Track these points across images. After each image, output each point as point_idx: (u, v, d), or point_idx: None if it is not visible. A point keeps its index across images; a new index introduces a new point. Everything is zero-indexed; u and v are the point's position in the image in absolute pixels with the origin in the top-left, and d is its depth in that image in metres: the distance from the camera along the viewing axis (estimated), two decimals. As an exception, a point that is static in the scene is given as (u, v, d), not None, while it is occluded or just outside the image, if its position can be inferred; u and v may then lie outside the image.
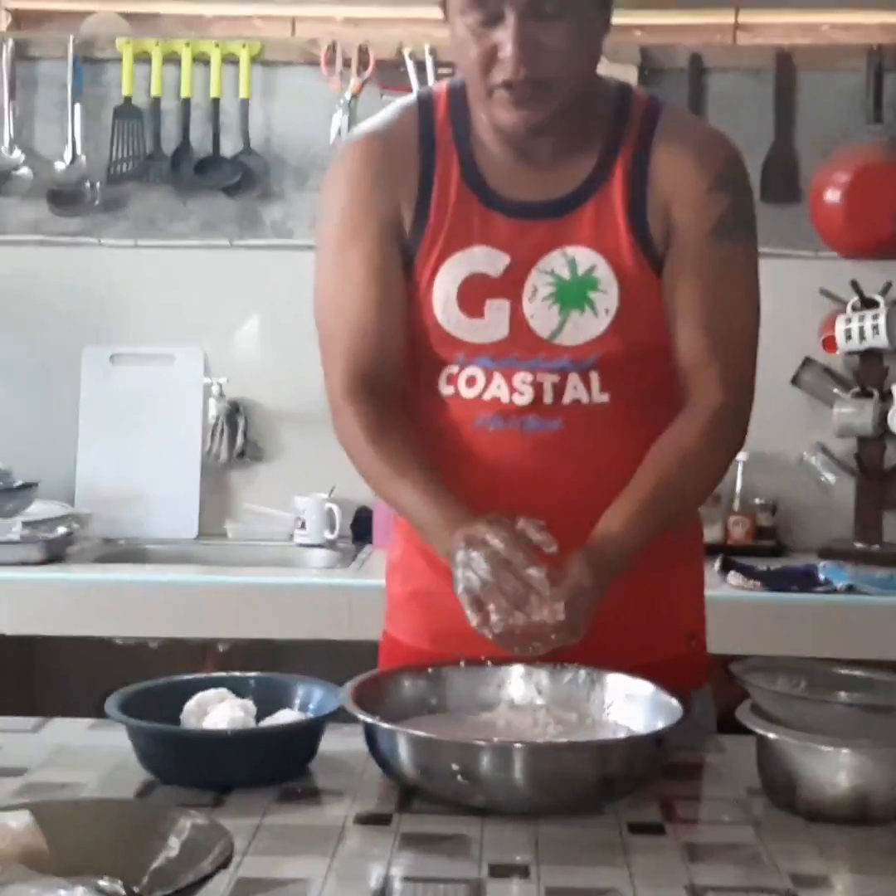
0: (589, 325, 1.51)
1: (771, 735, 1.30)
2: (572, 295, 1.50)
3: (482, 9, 1.40)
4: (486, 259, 1.51)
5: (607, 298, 1.50)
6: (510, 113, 1.44)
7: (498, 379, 1.53)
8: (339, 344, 1.55)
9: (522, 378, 1.52)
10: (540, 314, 1.51)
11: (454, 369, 1.55)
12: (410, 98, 1.59)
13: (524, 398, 1.52)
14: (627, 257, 1.50)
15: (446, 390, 1.56)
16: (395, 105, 1.59)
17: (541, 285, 1.51)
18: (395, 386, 1.56)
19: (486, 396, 1.54)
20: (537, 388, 1.52)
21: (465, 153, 1.53)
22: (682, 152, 1.50)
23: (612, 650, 1.48)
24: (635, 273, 1.50)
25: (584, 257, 1.50)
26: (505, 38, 1.39)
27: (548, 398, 1.52)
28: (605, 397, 1.53)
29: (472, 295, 1.51)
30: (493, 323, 1.52)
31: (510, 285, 1.51)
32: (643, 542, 1.44)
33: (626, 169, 1.50)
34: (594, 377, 1.52)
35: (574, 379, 1.52)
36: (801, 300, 3.06)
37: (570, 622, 1.33)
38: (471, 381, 1.54)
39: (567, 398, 1.53)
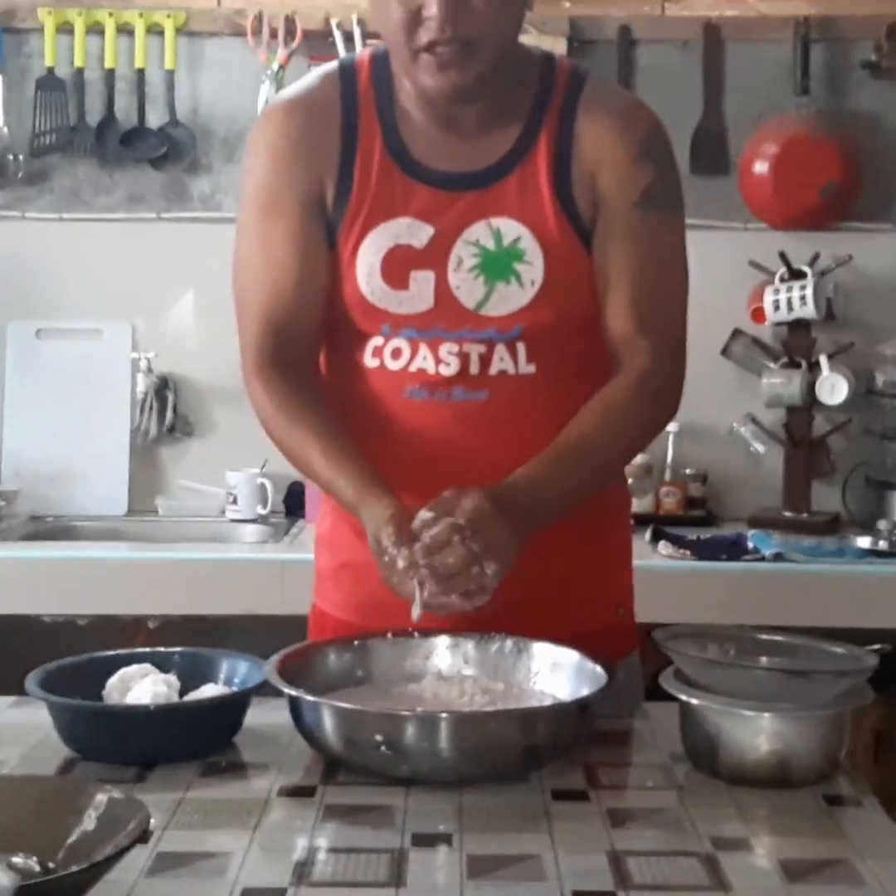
0: (514, 296, 1.50)
1: (693, 700, 1.31)
2: (498, 266, 1.50)
3: None
4: (409, 230, 1.50)
5: (533, 269, 1.50)
6: (435, 77, 1.43)
7: (424, 350, 1.52)
8: (254, 316, 1.54)
9: (448, 348, 1.52)
10: (465, 285, 1.51)
11: (379, 341, 1.54)
12: (332, 65, 1.57)
13: (450, 369, 1.52)
14: (553, 228, 1.50)
15: (371, 363, 1.55)
16: (317, 72, 1.57)
17: (466, 256, 1.50)
18: (310, 358, 1.56)
19: (412, 368, 1.53)
20: (463, 358, 1.52)
21: (388, 123, 1.51)
22: (605, 123, 1.50)
23: (540, 621, 1.49)
24: (561, 244, 1.50)
25: (510, 228, 1.50)
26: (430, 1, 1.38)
27: (474, 369, 1.52)
28: (531, 368, 1.53)
29: (397, 266, 1.50)
30: (419, 294, 1.51)
31: (435, 256, 1.50)
32: (558, 492, 1.44)
33: (551, 139, 1.50)
34: (520, 348, 1.52)
35: (500, 350, 1.52)
36: (731, 271, 3.08)
37: (484, 546, 1.32)
38: (396, 353, 1.54)
39: (493, 369, 1.52)
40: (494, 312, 1.51)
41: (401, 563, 1.33)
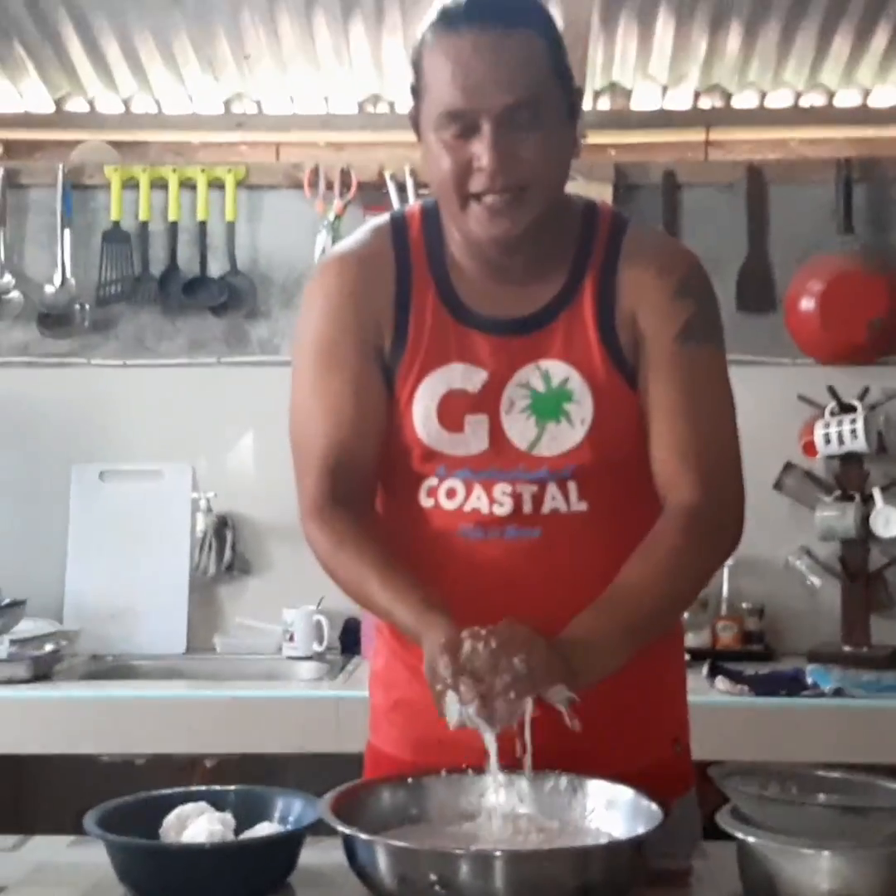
0: (565, 436, 1.53)
1: (750, 839, 1.29)
2: (548, 407, 1.53)
3: (458, 122, 1.43)
4: (463, 375, 1.53)
5: (582, 409, 1.53)
6: (485, 226, 1.47)
7: (478, 490, 1.55)
8: (312, 461, 1.55)
9: (502, 489, 1.54)
10: (517, 426, 1.54)
11: (434, 482, 1.56)
12: (383, 219, 1.62)
13: (504, 509, 1.54)
14: (599, 368, 1.53)
15: (426, 502, 1.57)
16: (369, 225, 1.62)
17: (517, 398, 1.54)
18: (367, 498, 1.58)
19: (467, 508, 1.55)
20: (516, 498, 1.54)
21: (440, 271, 1.56)
22: (645, 264, 1.55)
23: (597, 757, 1.47)
24: (607, 383, 1.53)
25: (558, 370, 1.53)
26: (481, 149, 1.43)
27: (527, 508, 1.54)
28: (583, 506, 1.55)
29: (452, 410, 1.54)
30: (473, 436, 1.54)
31: (488, 400, 1.54)
32: (614, 642, 1.42)
33: (595, 284, 1.54)
34: (572, 486, 1.54)
35: (552, 488, 1.54)
36: (780, 406, 3.11)
37: (529, 666, 1.31)
38: (451, 494, 1.56)
39: (546, 507, 1.54)
40: (546, 452, 1.53)
41: (464, 689, 1.31)
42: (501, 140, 1.42)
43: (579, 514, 1.55)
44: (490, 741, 1.37)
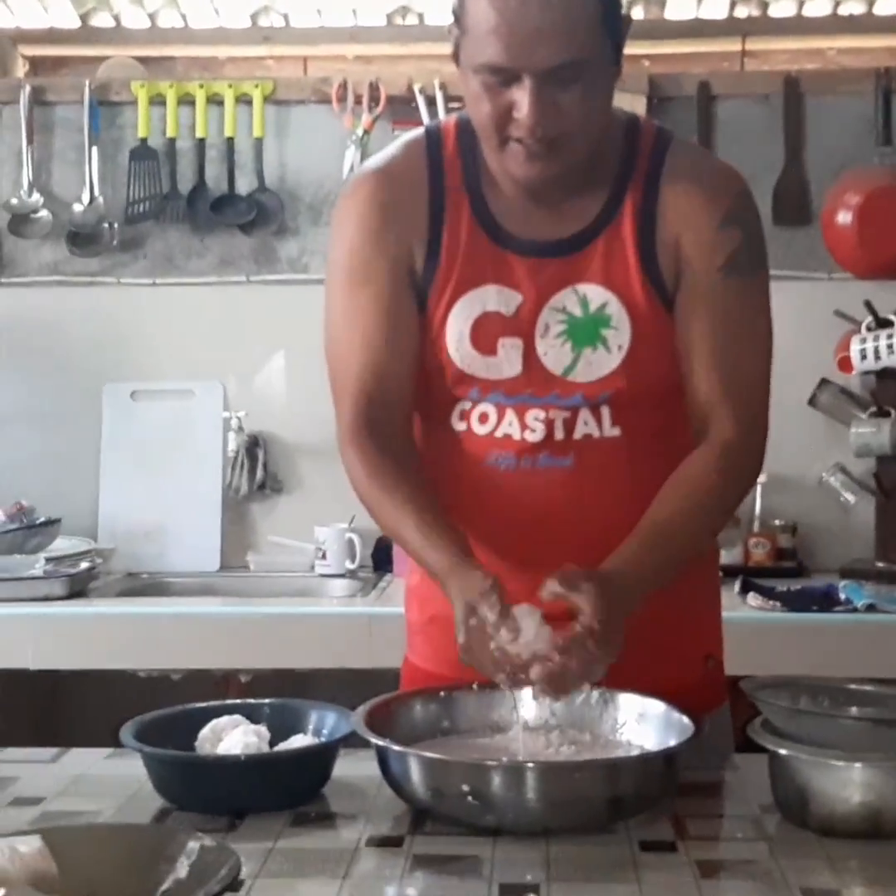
0: (602, 362, 1.51)
1: (782, 751, 1.30)
2: (585, 332, 1.51)
3: (499, 74, 1.38)
4: (498, 298, 1.51)
5: (620, 335, 1.50)
6: (523, 167, 1.43)
7: (510, 415, 1.53)
8: (348, 384, 1.54)
9: (535, 415, 1.52)
10: (552, 352, 1.51)
11: (467, 405, 1.55)
12: (418, 133, 1.58)
13: (536, 435, 1.53)
14: (638, 294, 1.50)
15: (459, 426, 1.56)
16: (403, 140, 1.59)
17: (553, 323, 1.51)
18: (404, 425, 1.56)
19: (498, 433, 1.54)
20: (549, 424, 1.52)
21: (475, 190, 1.53)
22: (690, 188, 1.50)
23: (630, 674, 1.47)
24: (646, 309, 1.50)
25: (596, 294, 1.50)
26: (521, 98, 1.38)
27: (559, 434, 1.53)
28: (616, 432, 1.53)
29: (485, 333, 1.52)
30: (507, 361, 1.52)
31: (523, 323, 1.51)
32: (655, 575, 1.42)
33: (636, 205, 1.50)
34: (605, 412, 1.53)
35: (584, 414, 1.53)
36: (816, 322, 3.07)
37: (604, 648, 1.31)
38: (483, 418, 1.55)
39: (578, 433, 1.53)
40: (581, 378, 1.51)
41: (512, 651, 1.31)
42: (543, 94, 1.37)
43: (612, 440, 1.53)
44: (520, 697, 1.39)
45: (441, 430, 1.58)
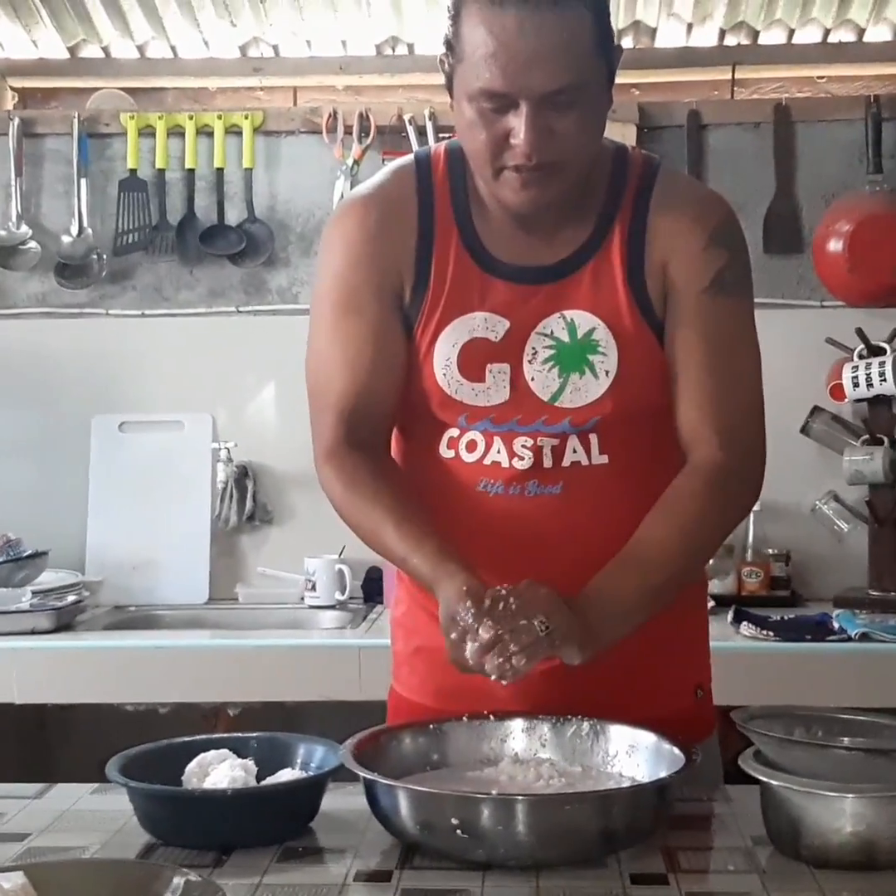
0: (589, 388, 1.50)
1: (774, 782, 1.28)
2: (572, 358, 1.50)
3: (495, 100, 1.38)
4: (486, 324, 1.51)
5: (607, 360, 1.50)
6: (517, 194, 1.43)
7: (498, 443, 1.53)
8: (328, 405, 1.54)
9: (522, 442, 1.52)
10: (540, 377, 1.51)
11: (455, 433, 1.55)
12: (408, 160, 1.58)
13: (524, 463, 1.52)
14: (626, 319, 1.50)
15: (447, 453, 1.55)
16: (392, 166, 1.58)
17: (540, 348, 1.51)
18: (382, 442, 1.56)
19: (487, 461, 1.53)
20: (537, 452, 1.52)
21: (463, 216, 1.53)
22: (677, 214, 1.51)
23: (619, 705, 1.47)
24: (634, 335, 1.50)
25: (584, 320, 1.50)
26: (517, 124, 1.38)
27: (547, 462, 1.52)
28: (604, 459, 1.53)
29: (473, 359, 1.51)
30: (494, 386, 1.51)
31: (510, 349, 1.51)
32: (633, 600, 1.41)
33: (624, 232, 1.50)
34: (593, 439, 1.52)
35: (573, 441, 1.52)
36: (808, 350, 3.07)
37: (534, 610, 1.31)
38: (471, 446, 1.54)
39: (566, 461, 1.52)
40: (568, 404, 1.51)
41: (483, 635, 1.31)
42: (539, 120, 1.37)
43: (601, 467, 1.53)
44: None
45: (428, 457, 1.57)
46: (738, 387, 1.52)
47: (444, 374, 1.52)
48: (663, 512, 1.47)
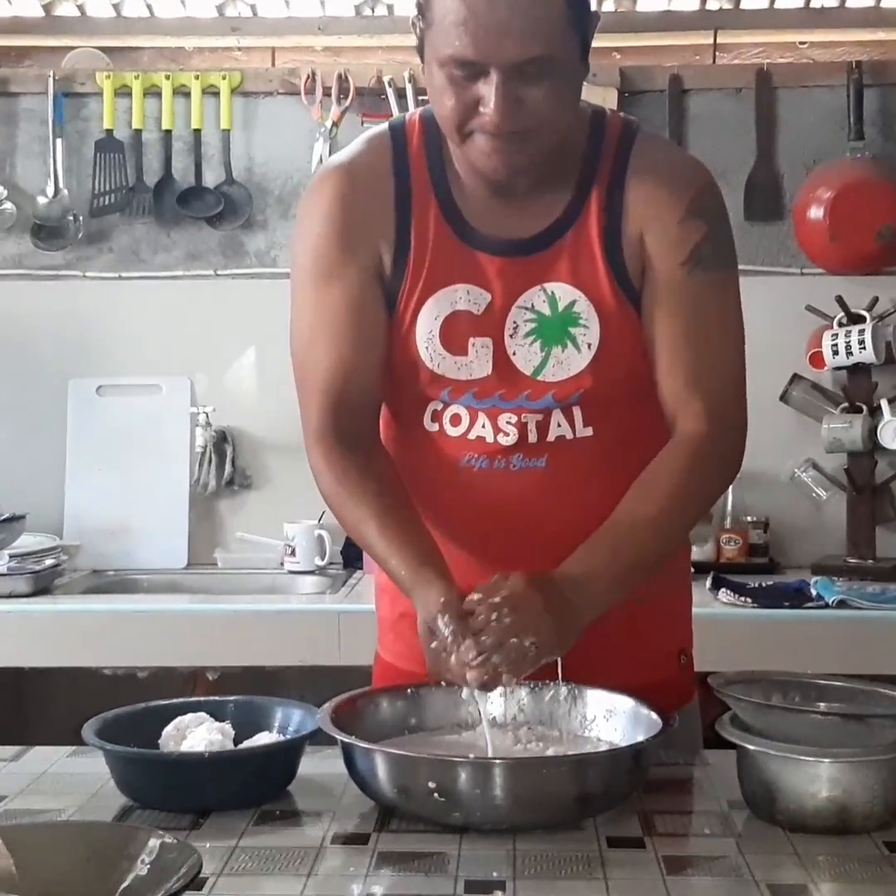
0: (571, 361, 1.49)
1: (750, 746, 1.29)
2: (554, 331, 1.49)
3: (465, 68, 1.36)
4: (468, 297, 1.49)
5: (589, 333, 1.48)
6: (488, 159, 1.41)
7: (482, 418, 1.52)
8: (314, 385, 1.52)
9: (507, 419, 1.51)
10: (522, 351, 1.50)
11: (438, 406, 1.53)
12: (382, 128, 1.55)
13: (509, 439, 1.51)
14: (606, 291, 1.48)
15: (431, 427, 1.54)
16: (367, 135, 1.56)
17: (521, 322, 1.49)
18: (370, 424, 1.55)
19: (471, 436, 1.52)
20: (522, 427, 1.51)
21: (441, 186, 1.50)
22: (654, 183, 1.48)
23: (606, 670, 1.46)
24: (614, 306, 1.49)
25: (564, 292, 1.49)
26: (487, 93, 1.35)
27: (532, 437, 1.51)
28: (588, 431, 1.52)
29: (455, 333, 1.50)
30: (476, 360, 1.50)
31: (492, 322, 1.50)
32: (616, 579, 1.40)
33: (601, 201, 1.48)
34: (577, 413, 1.51)
35: (557, 415, 1.51)
36: (788, 317, 3.07)
37: (518, 620, 1.30)
38: (455, 420, 1.53)
39: (551, 435, 1.51)
40: (551, 378, 1.50)
41: (464, 653, 1.30)
42: (509, 89, 1.35)
43: (585, 440, 1.52)
44: (481, 701, 1.38)
45: (413, 430, 1.56)
46: (719, 361, 1.50)
47: (427, 347, 1.50)
48: (644, 487, 1.46)
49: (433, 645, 1.33)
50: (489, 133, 1.38)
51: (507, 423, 1.51)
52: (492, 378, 1.50)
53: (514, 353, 1.50)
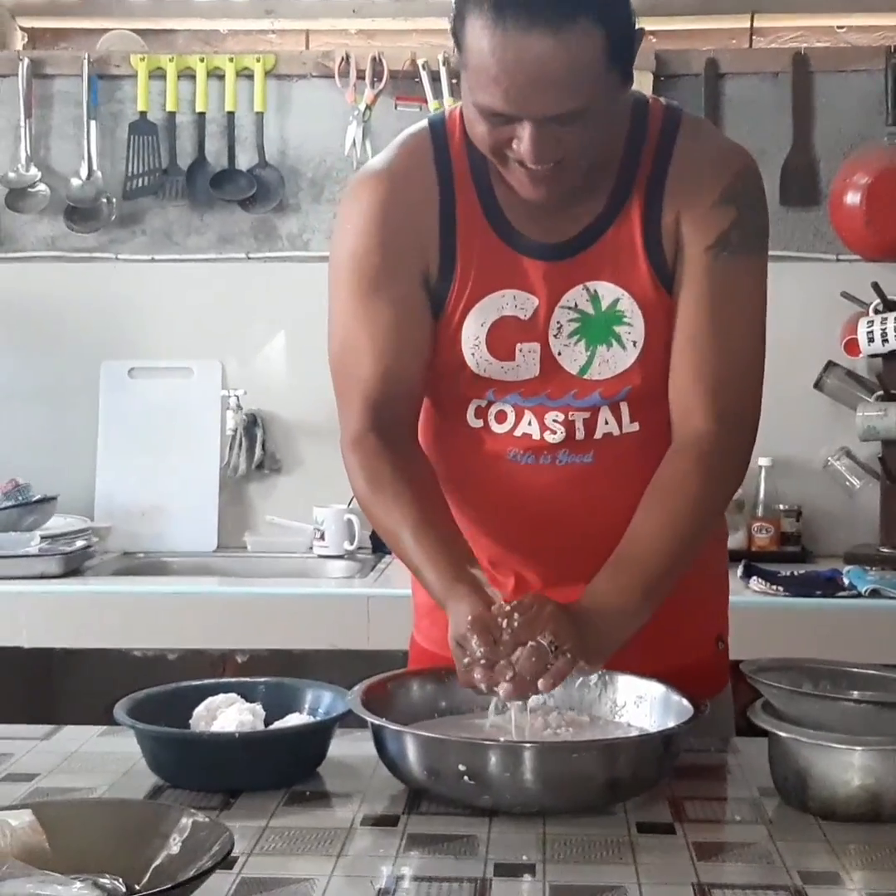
0: (617, 360, 1.48)
1: (782, 734, 1.28)
2: (598, 330, 1.48)
3: (499, 116, 1.33)
4: (514, 302, 1.48)
5: (634, 331, 1.47)
6: (526, 189, 1.40)
7: (528, 415, 1.51)
8: (354, 389, 1.50)
9: (554, 417, 1.50)
10: (567, 351, 1.49)
11: (482, 403, 1.53)
12: (422, 128, 1.52)
13: (556, 436, 1.50)
14: (648, 286, 1.47)
15: (475, 423, 1.54)
16: (407, 136, 1.52)
17: (565, 322, 1.48)
18: (409, 429, 1.53)
19: (517, 433, 1.52)
20: (569, 425, 1.50)
21: (484, 188, 1.48)
22: (694, 168, 1.46)
23: (643, 655, 1.45)
24: (656, 302, 1.47)
25: (607, 291, 1.47)
26: (522, 134, 1.33)
27: (580, 435, 1.50)
28: (635, 427, 1.51)
29: (502, 338, 1.48)
30: (523, 364, 1.49)
31: (539, 327, 1.48)
32: (634, 610, 1.39)
33: (643, 196, 1.46)
34: (624, 408, 1.50)
35: (604, 412, 1.50)
36: (823, 303, 3.04)
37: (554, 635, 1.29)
38: (500, 417, 1.53)
39: (598, 433, 1.51)
40: (598, 376, 1.49)
41: (491, 663, 1.29)
42: (543, 133, 1.33)
43: (632, 435, 1.51)
44: (514, 713, 1.36)
45: (457, 425, 1.55)
46: (734, 353, 1.48)
47: (473, 354, 1.49)
48: (654, 502, 1.44)
49: (465, 661, 1.31)
50: (525, 166, 1.37)
51: (554, 420, 1.50)
52: (538, 379, 1.49)
53: (559, 353, 1.49)
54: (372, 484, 1.48)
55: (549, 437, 1.50)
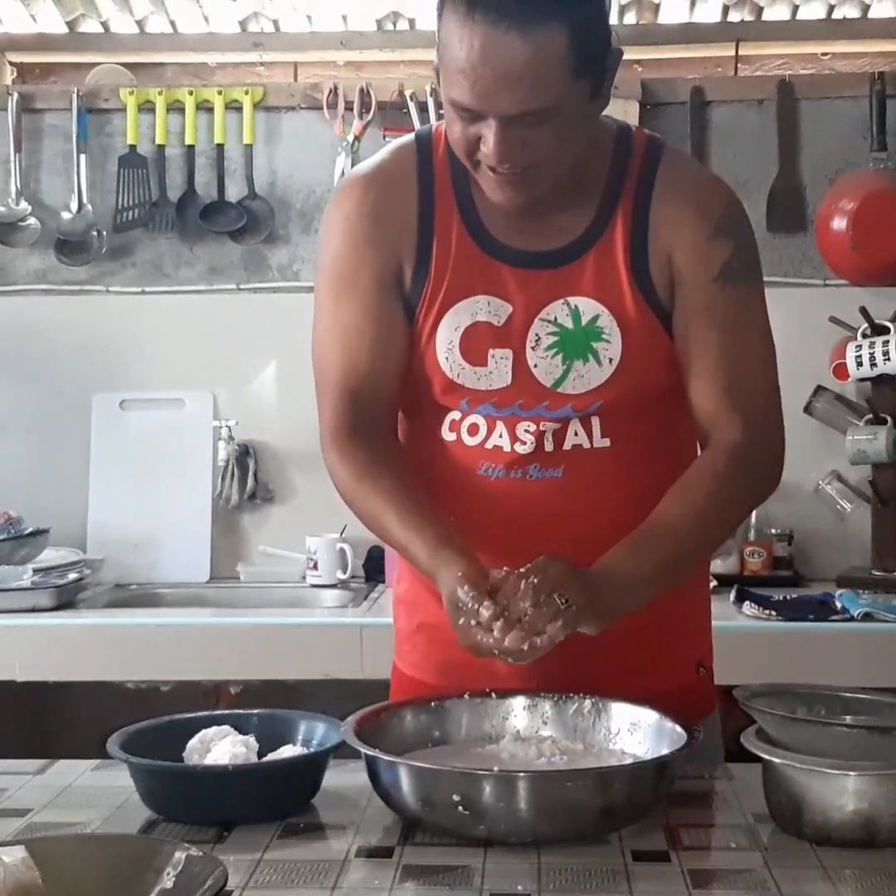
0: (592, 375, 1.50)
1: (775, 759, 1.28)
2: (576, 345, 1.49)
3: (467, 111, 1.36)
4: (488, 308, 1.50)
5: (611, 348, 1.49)
6: (495, 192, 1.43)
7: (500, 427, 1.52)
8: (330, 388, 1.54)
9: (525, 427, 1.51)
10: (543, 364, 1.50)
11: (456, 416, 1.54)
12: (409, 138, 1.56)
13: (526, 447, 1.52)
14: (630, 306, 1.49)
15: (448, 436, 1.55)
16: (393, 145, 1.57)
17: (543, 335, 1.50)
18: (386, 425, 1.56)
19: (488, 445, 1.53)
20: (539, 436, 1.51)
21: (465, 197, 1.51)
22: (680, 203, 1.49)
23: (623, 681, 1.47)
24: (637, 322, 1.49)
25: (588, 307, 1.49)
26: (488, 134, 1.36)
27: (549, 446, 1.52)
28: (606, 442, 1.52)
29: (476, 344, 1.50)
30: (496, 371, 1.51)
31: (513, 334, 1.50)
32: (648, 575, 1.41)
33: (627, 218, 1.49)
34: (595, 423, 1.52)
35: (575, 424, 1.52)
36: (811, 328, 3.06)
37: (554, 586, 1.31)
38: (473, 430, 1.54)
39: (568, 444, 1.52)
40: (571, 390, 1.50)
41: (484, 615, 1.31)
42: (509, 133, 1.36)
43: (602, 450, 1.52)
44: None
45: (431, 439, 1.57)
46: (753, 374, 1.52)
47: (447, 358, 1.51)
48: (682, 492, 1.47)
49: (460, 621, 1.33)
50: (492, 169, 1.40)
51: (525, 431, 1.51)
52: (511, 389, 1.51)
53: (535, 366, 1.50)
54: (353, 475, 1.50)
55: (519, 448, 1.52)
